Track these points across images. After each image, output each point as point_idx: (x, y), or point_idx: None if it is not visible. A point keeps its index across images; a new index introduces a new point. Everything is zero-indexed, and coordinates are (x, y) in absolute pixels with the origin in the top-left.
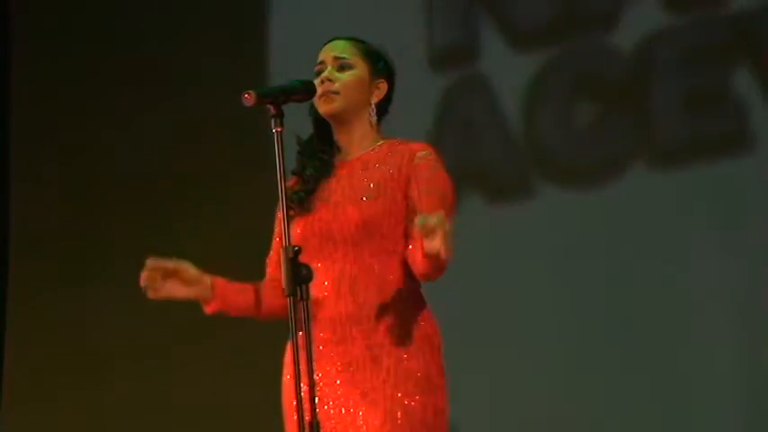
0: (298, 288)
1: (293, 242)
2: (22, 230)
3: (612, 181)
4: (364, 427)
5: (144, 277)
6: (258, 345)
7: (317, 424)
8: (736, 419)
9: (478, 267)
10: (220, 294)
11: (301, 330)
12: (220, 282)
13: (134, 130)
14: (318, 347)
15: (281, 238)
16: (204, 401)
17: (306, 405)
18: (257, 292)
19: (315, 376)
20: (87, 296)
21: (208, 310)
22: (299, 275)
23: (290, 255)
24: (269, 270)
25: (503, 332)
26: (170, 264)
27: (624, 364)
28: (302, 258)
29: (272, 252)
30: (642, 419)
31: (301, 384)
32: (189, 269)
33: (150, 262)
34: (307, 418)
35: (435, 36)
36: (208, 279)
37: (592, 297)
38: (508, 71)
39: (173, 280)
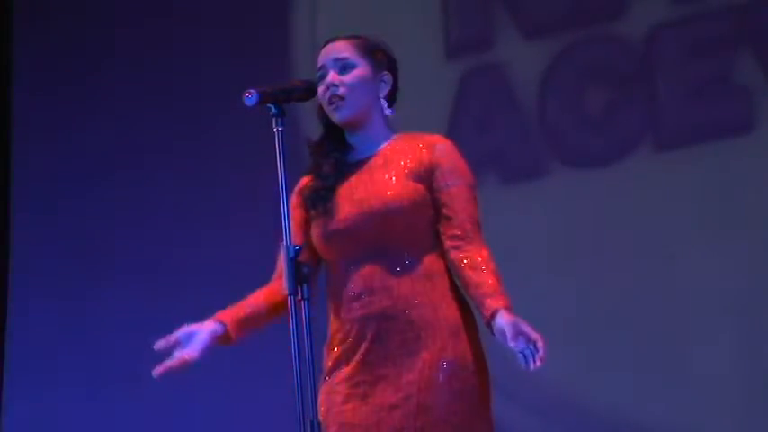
0: (299, 287)
1: (315, 243)
2: (23, 234)
3: (620, 162)
4: (400, 421)
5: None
6: (264, 352)
7: (318, 424)
8: (736, 419)
9: (493, 245)
10: (234, 328)
11: (302, 329)
12: (229, 316)
13: (136, 130)
14: (354, 345)
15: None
16: (207, 403)
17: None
18: (269, 302)
19: (339, 374)
20: (88, 298)
21: (233, 343)
22: (300, 274)
23: (291, 254)
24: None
25: (517, 309)
26: (172, 339)
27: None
28: (328, 258)
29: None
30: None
31: (297, 382)
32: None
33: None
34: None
35: (452, 27)
36: (211, 324)
37: (599, 272)
38: (522, 60)
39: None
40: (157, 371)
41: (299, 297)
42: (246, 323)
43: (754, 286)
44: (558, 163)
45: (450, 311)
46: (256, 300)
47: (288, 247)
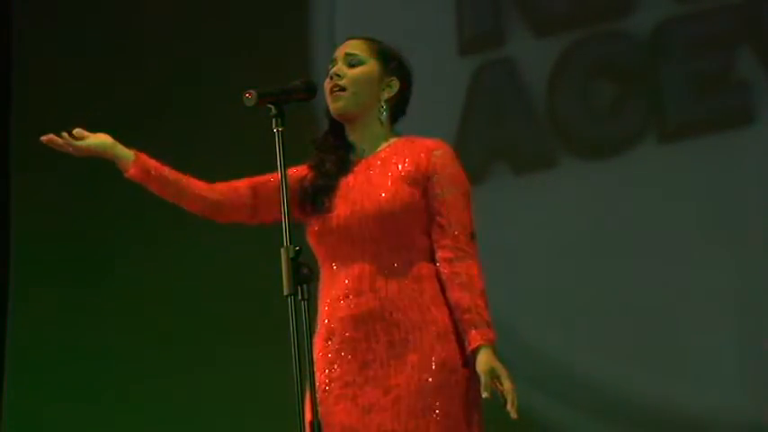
0: (299, 288)
1: (309, 238)
2: (23, 232)
3: (626, 153)
4: (389, 424)
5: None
6: (262, 346)
7: (318, 424)
8: (737, 416)
9: (505, 234)
10: (143, 163)
11: (301, 330)
12: (145, 155)
13: (137, 129)
14: (342, 345)
15: (262, 184)
16: (205, 402)
17: (308, 405)
18: (185, 182)
19: (330, 374)
20: (88, 297)
21: (128, 174)
22: (300, 275)
23: (291, 255)
24: (222, 184)
25: (523, 297)
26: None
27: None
28: (320, 256)
29: (247, 179)
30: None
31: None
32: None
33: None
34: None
35: (465, 24)
36: (128, 151)
37: (602, 260)
38: (532, 56)
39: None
40: (45, 137)
41: (300, 297)
42: (155, 171)
43: (755, 277)
44: (566, 154)
45: (438, 315)
46: (182, 175)
47: (288, 248)
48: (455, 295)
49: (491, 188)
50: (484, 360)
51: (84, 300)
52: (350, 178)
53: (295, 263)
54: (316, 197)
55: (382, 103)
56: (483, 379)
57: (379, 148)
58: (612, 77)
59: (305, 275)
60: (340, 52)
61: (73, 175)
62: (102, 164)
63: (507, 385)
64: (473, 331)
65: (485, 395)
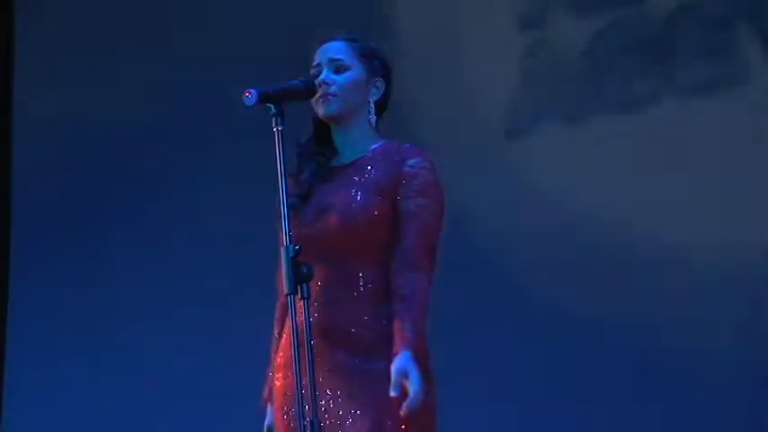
0: (298, 286)
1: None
2: (23, 227)
3: (650, 109)
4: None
5: None
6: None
7: (319, 424)
8: (737, 415)
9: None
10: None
11: (302, 329)
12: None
13: (136, 127)
14: (308, 354)
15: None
16: (205, 401)
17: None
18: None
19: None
20: (87, 294)
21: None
22: (300, 274)
23: (291, 254)
24: (281, 298)
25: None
26: None
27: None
28: None
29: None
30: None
31: (301, 383)
32: None
33: None
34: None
35: (517, 5)
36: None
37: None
38: (572, 32)
39: None
40: None
41: (299, 297)
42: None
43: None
44: (600, 109)
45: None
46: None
47: (288, 247)
48: (394, 307)
49: (541, 139)
50: (398, 360)
51: (85, 295)
52: (327, 185)
53: (295, 262)
54: (291, 204)
55: (371, 105)
56: (393, 378)
57: (360, 155)
58: (638, 48)
59: (305, 274)
60: (324, 57)
61: (75, 169)
62: (98, 158)
63: (413, 389)
64: (397, 337)
65: (392, 393)
